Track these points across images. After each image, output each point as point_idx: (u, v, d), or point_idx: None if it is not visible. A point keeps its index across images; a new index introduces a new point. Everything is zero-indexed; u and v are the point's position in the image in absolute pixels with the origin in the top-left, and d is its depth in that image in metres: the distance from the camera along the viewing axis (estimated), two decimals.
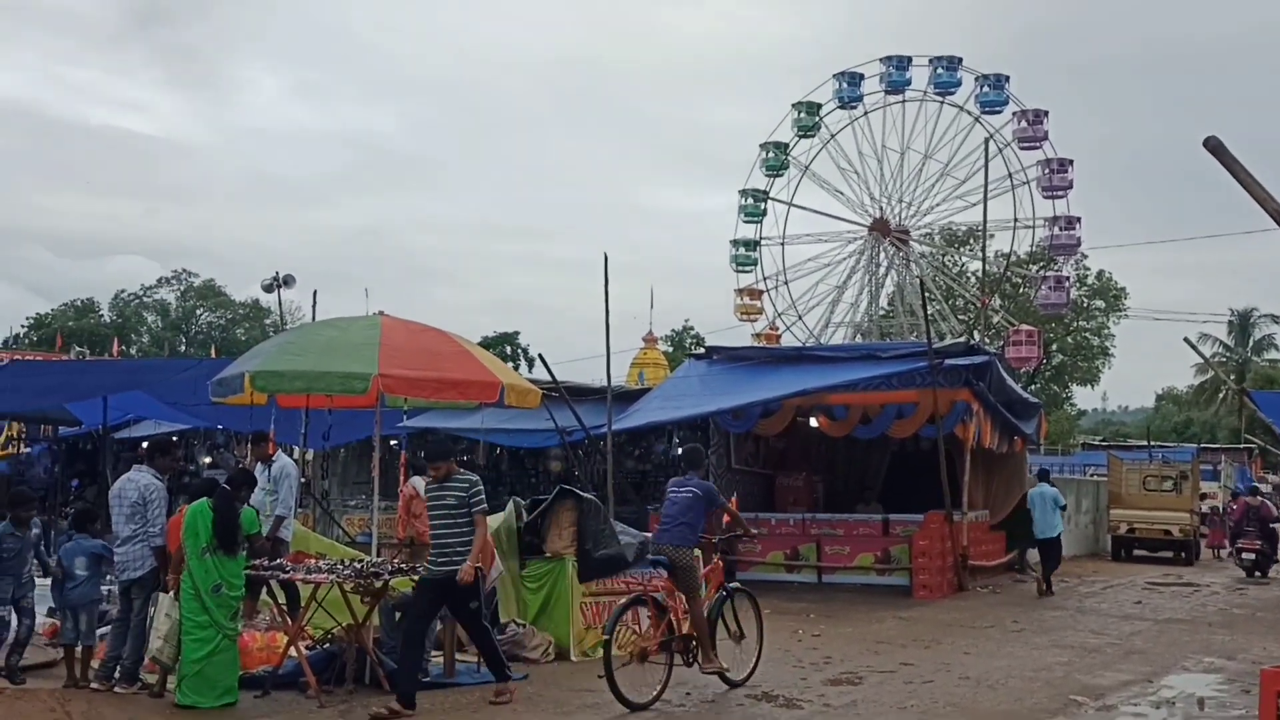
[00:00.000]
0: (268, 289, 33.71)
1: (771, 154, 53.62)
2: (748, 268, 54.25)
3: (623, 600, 9.45)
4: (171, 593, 8.74)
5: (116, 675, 9.03)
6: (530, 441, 21.32)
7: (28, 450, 19.49)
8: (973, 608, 15.55)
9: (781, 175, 54.14)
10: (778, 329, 53.06)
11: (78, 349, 43.83)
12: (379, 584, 9.28)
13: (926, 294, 27.40)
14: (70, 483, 19.81)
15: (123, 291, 75.87)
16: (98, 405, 15.89)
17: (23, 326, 68.66)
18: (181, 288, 76.62)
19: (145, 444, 22.30)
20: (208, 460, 24.41)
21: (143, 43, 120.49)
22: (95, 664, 9.18)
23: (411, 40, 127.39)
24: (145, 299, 76.23)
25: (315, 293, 31.26)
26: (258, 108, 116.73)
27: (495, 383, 10.12)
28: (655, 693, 8.85)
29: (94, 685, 9.02)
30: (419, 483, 13.73)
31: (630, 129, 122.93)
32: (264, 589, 9.86)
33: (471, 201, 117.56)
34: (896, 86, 52.49)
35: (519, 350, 61.78)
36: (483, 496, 8.80)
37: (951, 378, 16.99)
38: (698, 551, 9.77)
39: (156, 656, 8.82)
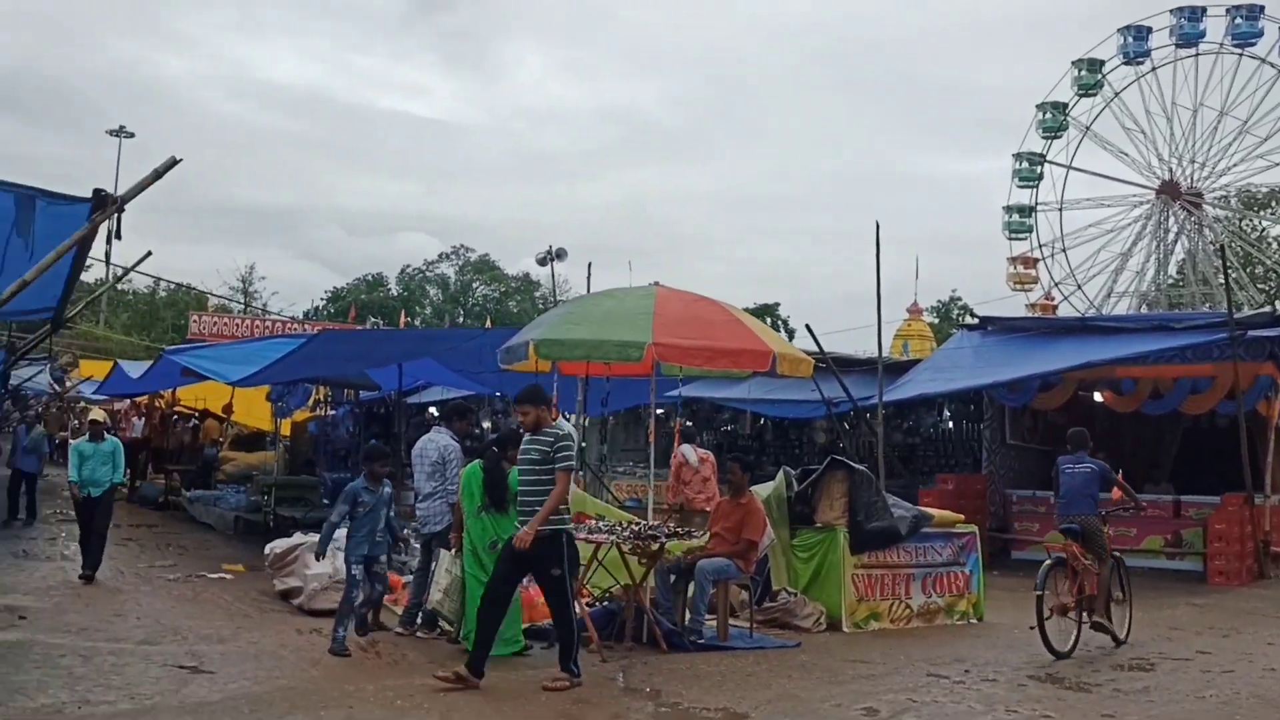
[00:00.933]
0: (541, 262, 35.05)
1: (1049, 115, 50.96)
2: (1022, 235, 51.89)
3: (1046, 561, 10.14)
4: (454, 550, 9.28)
5: (418, 621, 9.73)
6: (795, 412, 21.30)
7: (333, 412, 21.13)
8: (1275, 597, 14.38)
9: (1059, 137, 51.35)
10: (1054, 299, 50.56)
11: (372, 320, 47.08)
12: (655, 546, 9.55)
13: (1225, 260, 25.36)
14: (369, 442, 21.33)
15: (408, 266, 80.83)
16: (393, 372, 17.05)
17: (321, 299, 74.53)
18: (460, 262, 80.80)
19: (434, 408, 23.77)
20: (488, 425, 25.76)
21: (422, 28, 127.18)
22: (399, 611, 9.92)
23: (674, 13, 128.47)
24: (428, 273, 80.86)
25: (590, 265, 32.31)
26: (526, 87, 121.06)
27: (768, 352, 10.15)
28: (1071, 644, 9.78)
29: (397, 630, 9.75)
30: (689, 451, 14.06)
31: (893, 92, 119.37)
32: None
33: (731, 173, 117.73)
34: (1189, 39, 48.67)
35: (779, 322, 61.70)
36: (570, 452, 8.04)
37: (1254, 350, 15.72)
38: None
39: (437, 609, 9.39)
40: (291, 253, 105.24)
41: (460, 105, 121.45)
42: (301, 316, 57.43)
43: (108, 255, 8.48)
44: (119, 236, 7.57)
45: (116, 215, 7.40)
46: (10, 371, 14.50)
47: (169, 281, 46.37)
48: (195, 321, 44.70)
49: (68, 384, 27.04)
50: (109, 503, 12.91)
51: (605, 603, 10.04)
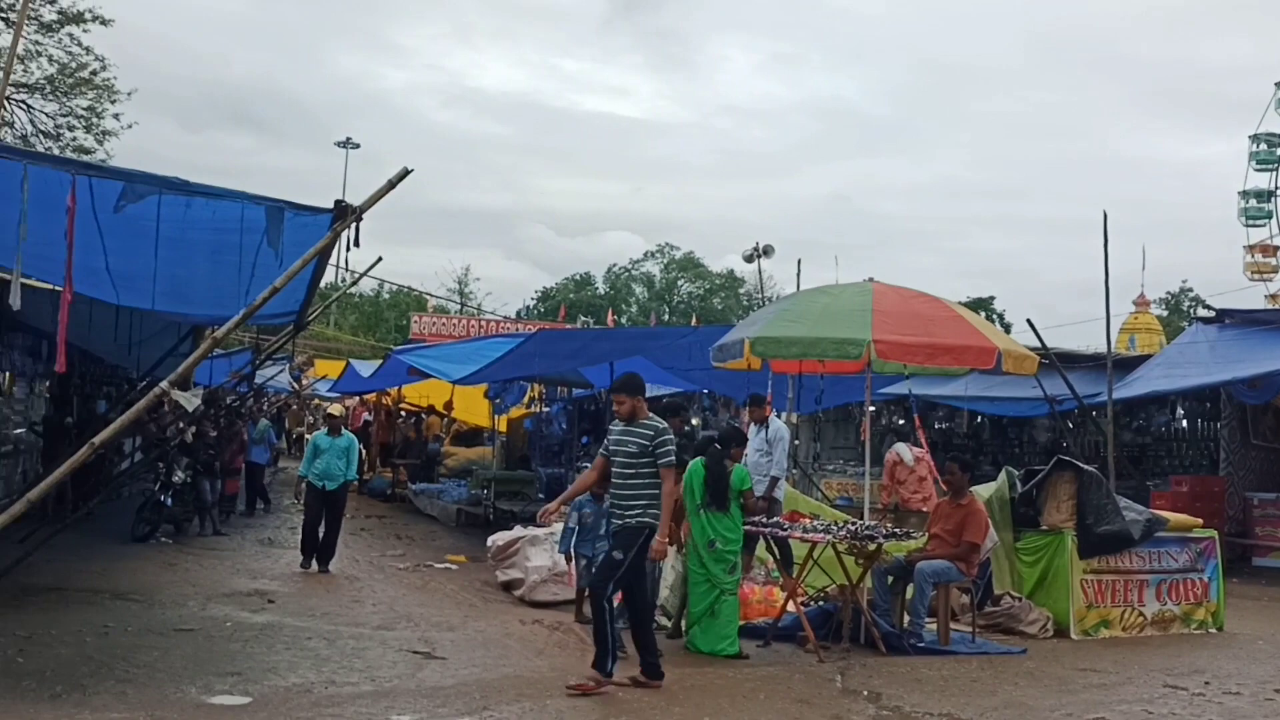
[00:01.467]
0: (748, 259, 35.10)
1: None
2: (1260, 221, 48.41)
3: None
4: (676, 546, 9.35)
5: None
6: (1015, 410, 20.54)
7: (547, 409, 21.77)
8: None
9: None
10: None
11: (582, 319, 48.16)
12: (873, 547, 9.41)
13: None
14: (581, 439, 21.85)
15: (614, 265, 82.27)
16: (605, 369, 17.39)
17: (532, 299, 76.75)
18: (664, 260, 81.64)
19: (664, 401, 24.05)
20: (696, 422, 25.95)
21: (626, 29, 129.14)
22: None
23: (881, 2, 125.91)
24: (633, 271, 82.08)
25: (799, 262, 32.39)
26: (730, 84, 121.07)
27: (991, 348, 9.84)
28: None
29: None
30: (903, 449, 13.78)
31: (1113, 73, 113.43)
32: (757, 545, 10.37)
33: (941, 162, 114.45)
34: None
35: (994, 316, 59.61)
36: (671, 447, 7.68)
37: None
38: None
39: (664, 605, 9.52)
40: (503, 253, 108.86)
41: (664, 104, 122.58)
42: (514, 316, 59.29)
43: (346, 261, 8.92)
44: (357, 244, 7.98)
45: (355, 224, 7.84)
46: (256, 371, 15.49)
47: (393, 284, 48.66)
48: (416, 322, 46.70)
49: (304, 382, 28.77)
50: (343, 497, 13.22)
51: (820, 602, 9.96)
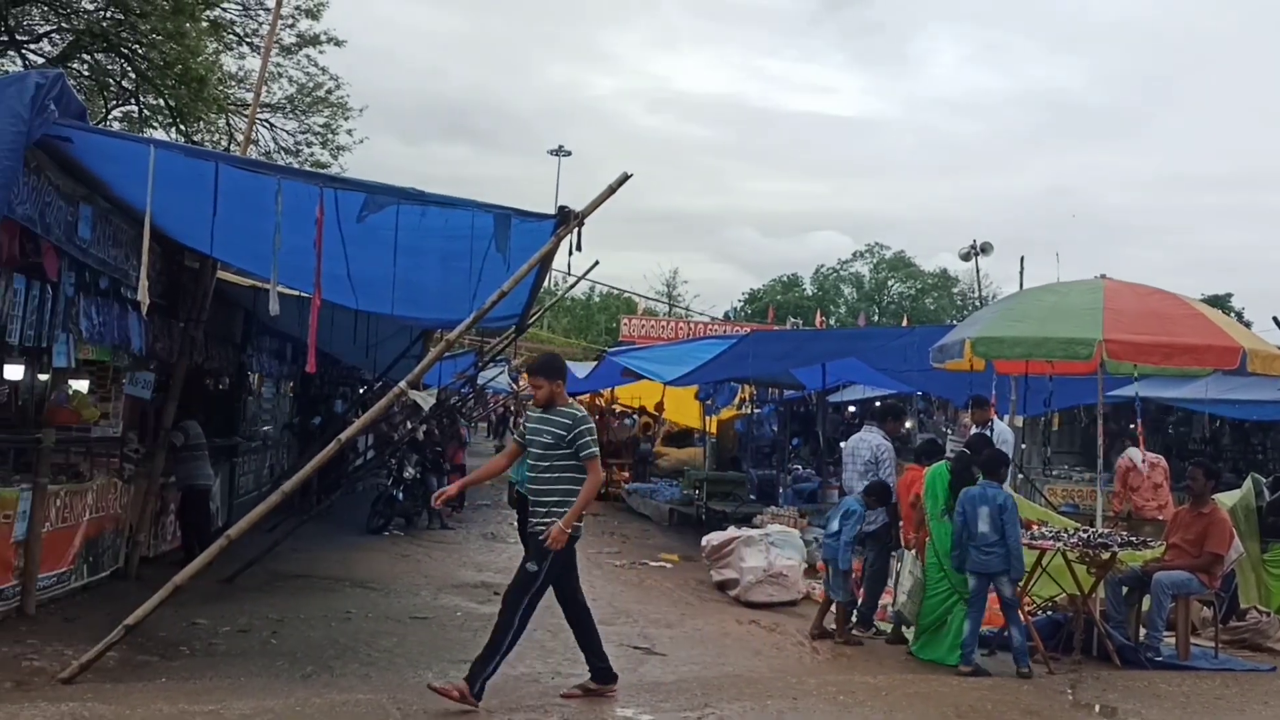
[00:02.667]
0: (964, 257, 34.09)
1: None
2: None
3: None
4: (914, 550, 9.17)
5: (853, 619, 9.79)
6: (1260, 414, 19.22)
7: (758, 411, 21.79)
8: None
9: None
10: None
11: (791, 320, 47.95)
12: (1106, 555, 8.99)
13: None
14: (792, 441, 21.79)
15: (822, 266, 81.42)
16: (816, 371, 17.29)
17: (739, 301, 76.82)
18: (874, 260, 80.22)
19: (852, 406, 23.76)
20: (910, 425, 25.43)
21: (830, 27, 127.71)
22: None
23: None
24: (841, 272, 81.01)
25: (1022, 259, 31.22)
26: (939, 77, 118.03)
27: (1235, 347, 9.24)
28: None
29: (830, 626, 9.86)
30: (1136, 454, 13.09)
31: None
32: None
33: (1168, 152, 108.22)
34: None
35: (1233, 313, 55.83)
36: (591, 439, 6.91)
37: None
38: None
39: (901, 611, 9.27)
40: (709, 256, 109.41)
41: (871, 100, 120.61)
42: (722, 318, 59.47)
43: (569, 265, 9.20)
44: (579, 248, 8.24)
45: (577, 229, 8.08)
46: (479, 372, 16.15)
47: (605, 286, 49.63)
48: (626, 325, 47.51)
49: (522, 383, 29.70)
50: None
51: (1049, 612, 9.59)
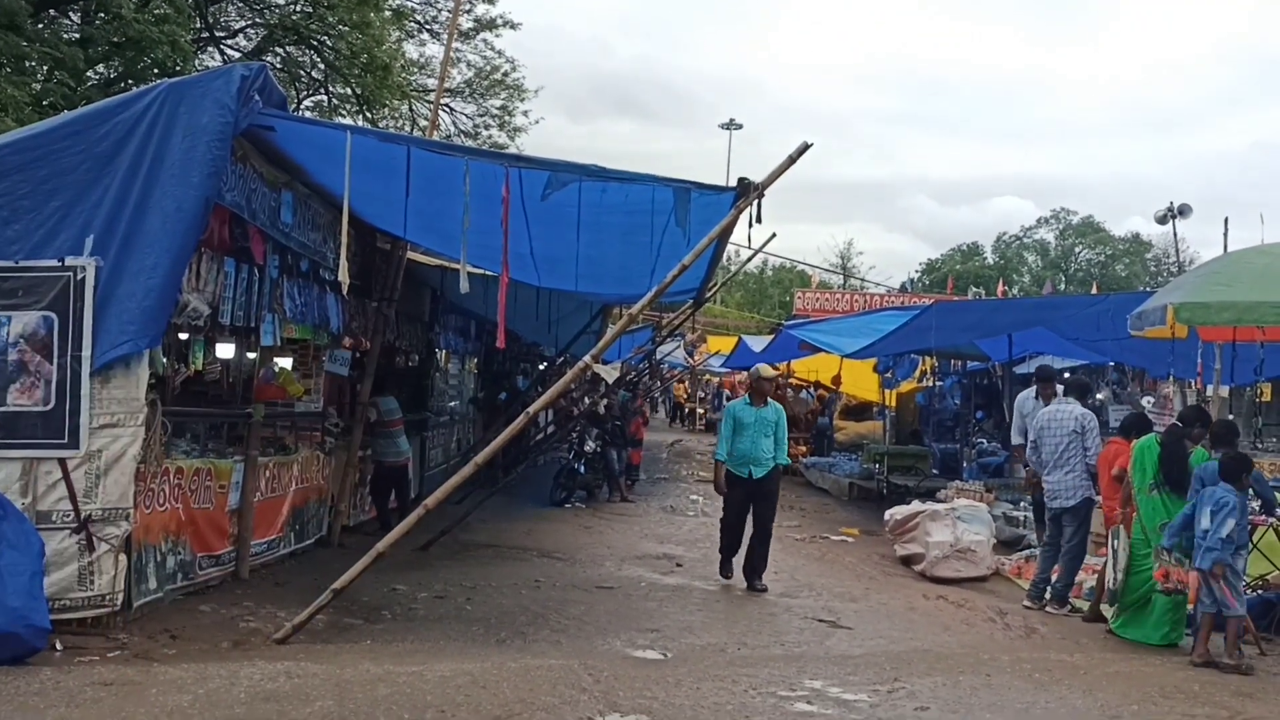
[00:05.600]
0: (1160, 220, 32.33)
1: None
2: None
3: None
4: (1123, 526, 8.77)
5: (1046, 596, 9.49)
6: None
7: (940, 383, 21.26)
8: None
9: None
10: None
11: (973, 289, 46.64)
12: None
13: None
14: (975, 414, 21.16)
15: (1004, 233, 78.78)
16: (1002, 342, 16.72)
17: (916, 271, 75.11)
18: (1060, 226, 77.13)
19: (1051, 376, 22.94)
20: (1100, 396, 24.35)
21: None
22: (1025, 584, 9.73)
23: None
24: (1025, 239, 78.20)
25: (1226, 221, 29.43)
26: (1129, 32, 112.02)
27: None
28: None
29: (1025, 604, 9.58)
30: None
31: None
32: None
33: None
34: None
35: None
36: None
37: None
38: None
39: (1112, 588, 8.75)
40: (884, 226, 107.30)
41: (1055, 61, 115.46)
42: (899, 289, 58.27)
43: (749, 238, 9.12)
44: (759, 220, 8.17)
45: (757, 201, 8.02)
46: (657, 347, 16.27)
47: (781, 258, 49.24)
48: (800, 298, 47.07)
49: (697, 357, 29.85)
50: (774, 489, 10.11)
51: (1260, 591, 9.06)
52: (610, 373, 8.50)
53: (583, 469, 16.08)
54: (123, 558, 6.93)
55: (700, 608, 9.01)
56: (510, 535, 12.51)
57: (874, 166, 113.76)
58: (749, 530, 10.09)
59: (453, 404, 18.24)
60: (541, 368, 23.24)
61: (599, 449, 16.38)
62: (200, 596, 8.10)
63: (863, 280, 57.13)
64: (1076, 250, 76.03)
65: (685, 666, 6.85)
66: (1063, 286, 67.39)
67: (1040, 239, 77.98)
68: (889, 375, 20.40)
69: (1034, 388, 12.29)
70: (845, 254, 65.87)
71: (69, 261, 6.99)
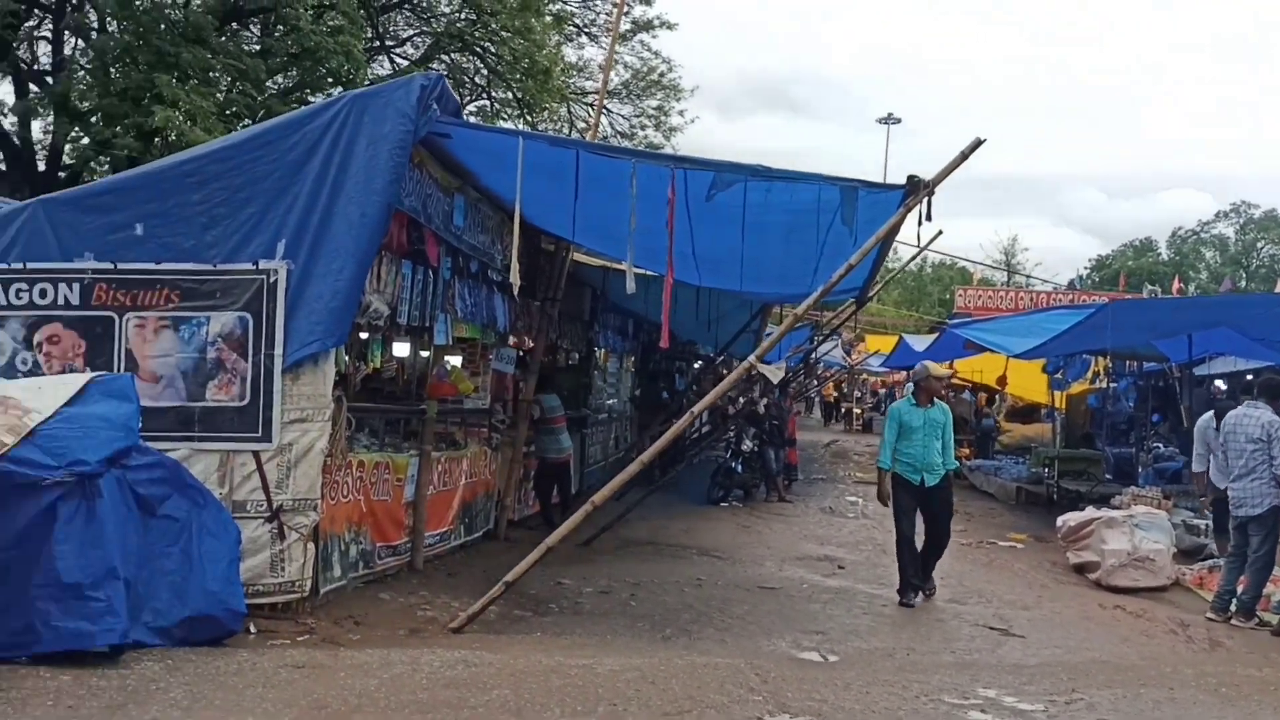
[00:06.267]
0: None
1: None
2: None
3: None
4: None
5: (1231, 608, 9.06)
6: None
7: (1114, 385, 20.48)
8: None
9: None
10: None
11: (1149, 287, 44.70)
12: None
13: None
14: (1152, 417, 20.32)
15: (1179, 228, 75.24)
16: (1181, 342, 15.99)
17: (1085, 268, 72.36)
18: (1240, 220, 73.23)
19: (1220, 381, 21.88)
20: None
21: None
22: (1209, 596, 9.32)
23: None
24: (1202, 235, 74.54)
25: None
26: None
27: None
28: None
29: (1208, 616, 9.17)
30: None
31: None
32: None
33: None
34: None
35: None
36: None
37: None
38: None
39: None
40: (1049, 220, 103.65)
41: (1233, 39, 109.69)
42: (1066, 286, 56.32)
43: (919, 236, 8.96)
44: (929, 218, 8.05)
45: (927, 198, 7.89)
46: (817, 346, 16.15)
47: (942, 255, 48.14)
48: (960, 295, 45.87)
49: (855, 356, 29.49)
50: (948, 496, 9.58)
51: None
52: (775, 373, 8.50)
53: (740, 468, 16.08)
54: (311, 546, 7.28)
55: (865, 611, 8.92)
56: (669, 533, 12.61)
57: (1040, 159, 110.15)
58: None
59: (611, 402, 18.49)
60: (696, 366, 23.35)
61: (756, 448, 16.36)
62: (379, 585, 8.44)
63: (1028, 276, 55.31)
64: (1259, 246, 72.02)
65: (853, 670, 6.80)
66: (1243, 284, 63.92)
67: (1219, 234, 74.18)
68: (1059, 376, 19.73)
69: (1212, 411, 11.72)
70: (1009, 250, 63.94)
71: (262, 265, 7.37)
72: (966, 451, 21.73)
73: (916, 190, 7.82)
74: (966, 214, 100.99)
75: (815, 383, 28.78)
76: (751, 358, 8.13)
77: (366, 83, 18.65)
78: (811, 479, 19.71)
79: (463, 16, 26.37)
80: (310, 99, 21.09)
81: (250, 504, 7.23)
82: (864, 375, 34.75)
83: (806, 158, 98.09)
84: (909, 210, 7.87)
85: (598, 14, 29.79)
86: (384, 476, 8.66)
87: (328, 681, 5.71)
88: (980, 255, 58.43)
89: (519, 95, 26.73)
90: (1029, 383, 22.15)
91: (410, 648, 6.67)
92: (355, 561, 8.19)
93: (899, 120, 54.32)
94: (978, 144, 7.60)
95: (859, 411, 35.76)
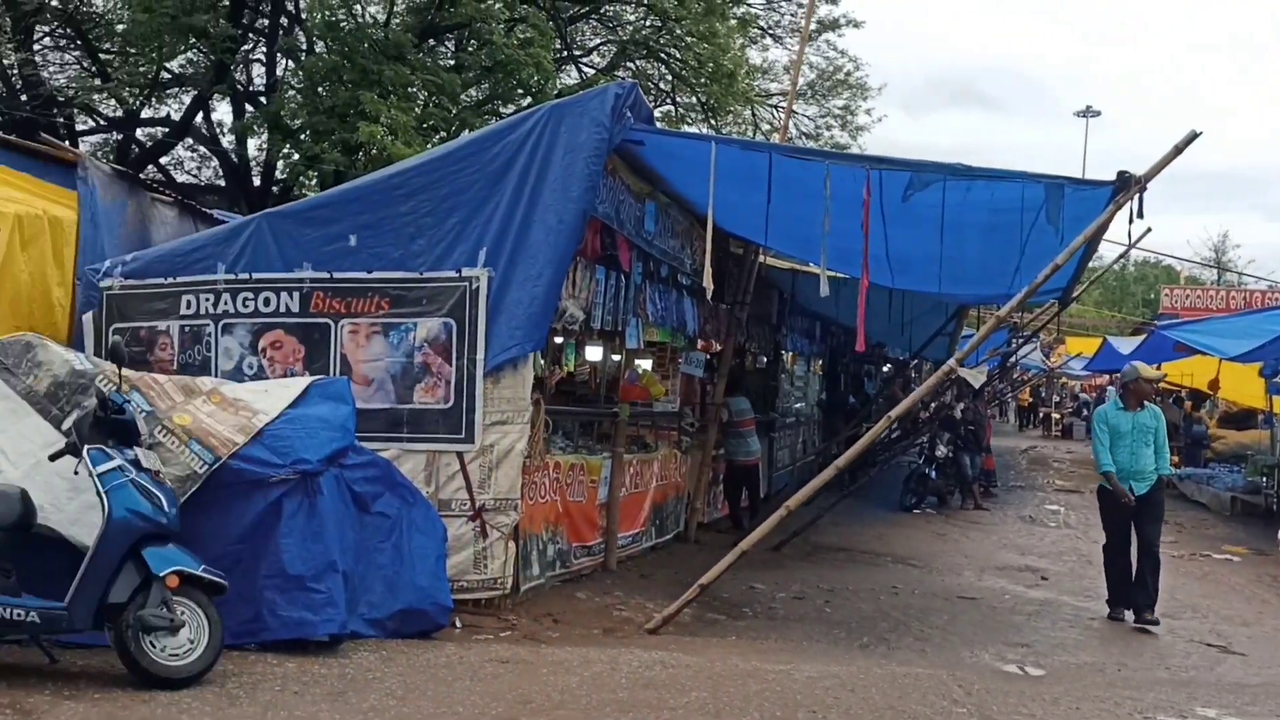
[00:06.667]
0: None
1: None
2: None
3: None
4: None
5: None
6: None
7: None
8: None
9: None
10: None
11: None
12: None
13: None
14: None
15: None
16: None
17: None
18: None
19: None
20: None
21: None
22: None
23: None
24: None
25: None
26: None
27: None
28: None
29: None
30: None
31: None
32: None
33: None
34: None
35: None
36: None
37: None
38: None
39: None
40: (1263, 215, 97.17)
41: None
42: None
43: (1130, 235, 8.53)
44: (1140, 215, 7.69)
45: (1138, 195, 7.55)
46: (1017, 349, 15.60)
47: (1149, 253, 45.85)
48: (1167, 295, 43.58)
49: (1054, 359, 28.38)
50: (1159, 503, 9.01)
51: None
52: (976, 377, 8.30)
53: (934, 474, 15.71)
54: (511, 544, 7.49)
55: (1071, 624, 8.59)
56: (862, 539, 12.43)
57: (1249, 151, 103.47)
58: None
59: (798, 405, 18.33)
60: (885, 370, 22.91)
61: (951, 454, 15.95)
62: (575, 584, 8.62)
63: (1240, 275, 52.07)
64: None
65: (1061, 685, 6.55)
66: None
67: None
68: (1277, 380, 18.48)
69: None
70: (1219, 247, 60.31)
71: (465, 272, 7.62)
72: (1174, 459, 20.60)
73: (1127, 186, 7.51)
74: (1171, 210, 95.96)
75: (1011, 387, 27.81)
76: (952, 361, 7.95)
77: (555, 92, 19.09)
78: (1009, 486, 19.08)
79: (647, 24, 26.67)
80: (502, 110, 21.74)
81: (454, 503, 7.48)
82: (1064, 379, 33.39)
83: (1001, 155, 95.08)
84: (1119, 207, 7.57)
85: (782, 15, 29.62)
86: (579, 478, 8.85)
87: (531, 677, 5.87)
88: (1187, 252, 55.37)
89: (703, 99, 26.83)
90: (1244, 387, 20.81)
91: (608, 647, 6.79)
92: (552, 560, 8.38)
93: (1098, 113, 52.03)
94: (1193, 137, 7.27)
95: (1058, 417, 34.38)
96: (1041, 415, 35.80)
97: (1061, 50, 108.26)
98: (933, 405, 16.45)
